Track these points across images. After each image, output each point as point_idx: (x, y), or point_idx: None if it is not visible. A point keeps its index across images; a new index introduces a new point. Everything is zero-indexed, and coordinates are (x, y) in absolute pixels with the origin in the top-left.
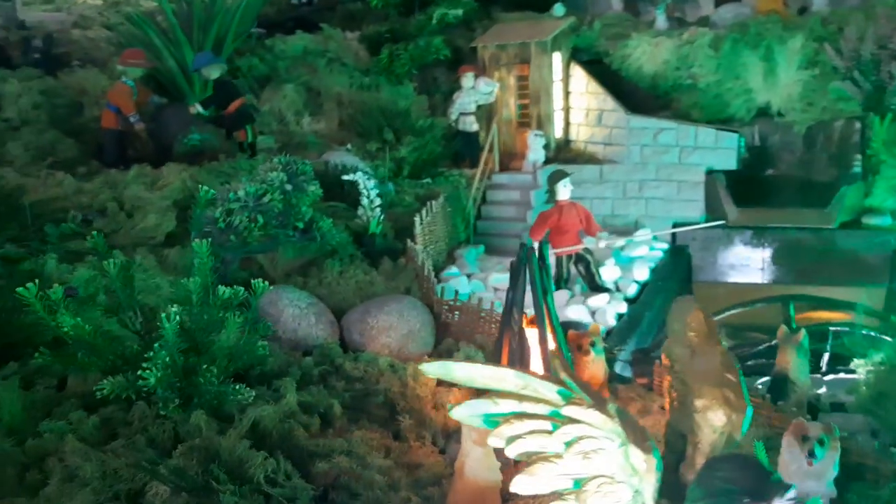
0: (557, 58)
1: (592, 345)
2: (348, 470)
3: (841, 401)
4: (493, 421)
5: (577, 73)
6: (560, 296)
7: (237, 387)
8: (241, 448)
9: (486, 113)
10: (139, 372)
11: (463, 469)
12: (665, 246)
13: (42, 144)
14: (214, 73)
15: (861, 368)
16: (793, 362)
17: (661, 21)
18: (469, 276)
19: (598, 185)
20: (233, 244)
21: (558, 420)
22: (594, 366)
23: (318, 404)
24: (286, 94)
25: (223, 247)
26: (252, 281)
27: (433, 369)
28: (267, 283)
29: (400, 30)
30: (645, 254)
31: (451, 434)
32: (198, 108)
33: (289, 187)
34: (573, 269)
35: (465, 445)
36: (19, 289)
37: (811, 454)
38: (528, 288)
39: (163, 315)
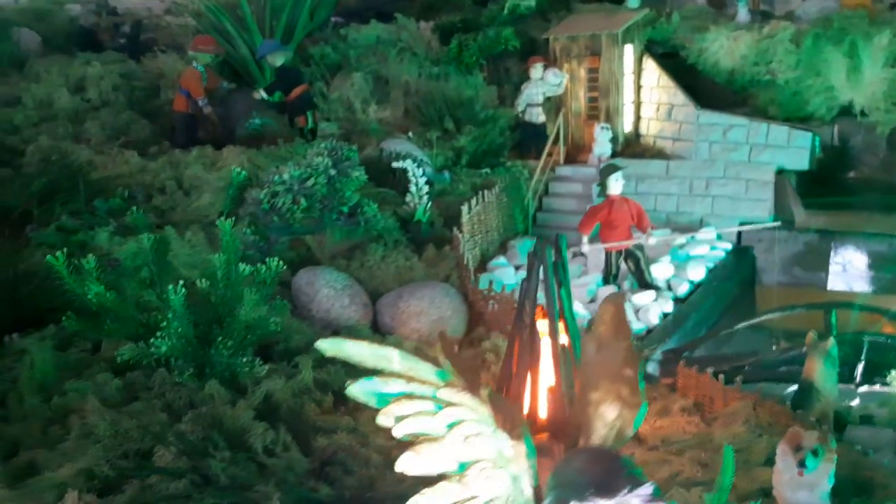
0: (629, 50)
1: None
2: (347, 447)
3: (872, 413)
4: (385, 400)
5: (650, 66)
6: (607, 291)
7: (249, 359)
8: (244, 418)
9: (555, 104)
10: (151, 340)
11: None
12: (728, 246)
13: (118, 124)
14: (279, 60)
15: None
16: (819, 371)
17: (742, 14)
18: (518, 267)
19: (663, 181)
20: (276, 224)
21: (442, 402)
22: None
23: (334, 382)
24: (354, 82)
25: (267, 227)
26: (268, 259)
27: (327, 346)
28: (282, 263)
29: (472, 20)
30: (705, 253)
31: None
32: (261, 94)
33: (333, 172)
34: (623, 266)
35: None
36: (48, 257)
37: (801, 464)
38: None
39: (170, 287)
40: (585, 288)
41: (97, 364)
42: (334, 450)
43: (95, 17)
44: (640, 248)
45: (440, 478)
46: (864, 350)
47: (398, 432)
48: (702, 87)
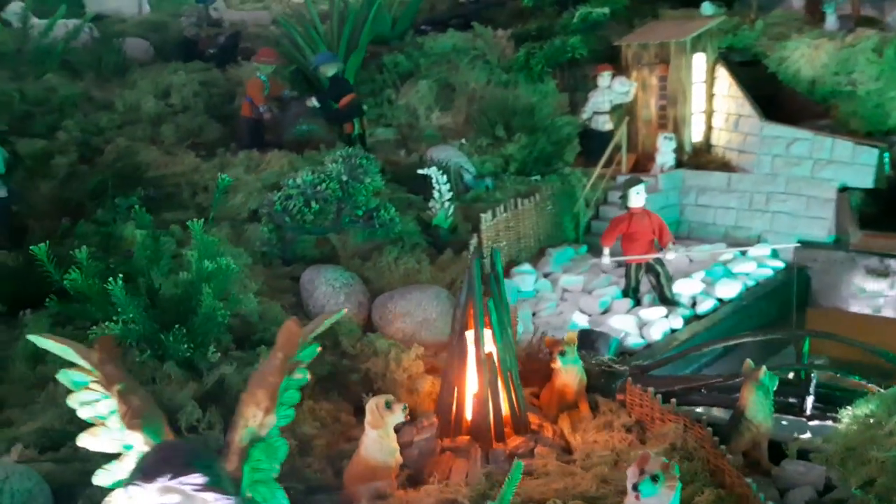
0: (700, 59)
1: (561, 353)
2: None
3: (814, 448)
4: (77, 384)
5: (722, 74)
6: (622, 304)
7: (204, 347)
8: (182, 397)
9: (624, 112)
10: (106, 323)
11: (360, 447)
12: (779, 264)
13: (192, 127)
14: (331, 70)
15: (846, 418)
16: (750, 400)
17: (831, 21)
18: (547, 274)
19: (723, 194)
20: (287, 225)
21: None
22: (566, 374)
23: None
24: (419, 89)
25: (280, 227)
26: (220, 259)
27: (35, 339)
28: (232, 263)
29: (547, 28)
30: (751, 270)
31: (417, 418)
32: (313, 102)
33: (345, 178)
34: (644, 279)
35: (365, 426)
36: (31, 247)
37: (635, 488)
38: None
39: (110, 280)
40: (599, 299)
41: (84, 341)
42: None
43: (196, 28)
44: (661, 262)
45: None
46: (813, 383)
47: (82, 415)
48: (783, 97)
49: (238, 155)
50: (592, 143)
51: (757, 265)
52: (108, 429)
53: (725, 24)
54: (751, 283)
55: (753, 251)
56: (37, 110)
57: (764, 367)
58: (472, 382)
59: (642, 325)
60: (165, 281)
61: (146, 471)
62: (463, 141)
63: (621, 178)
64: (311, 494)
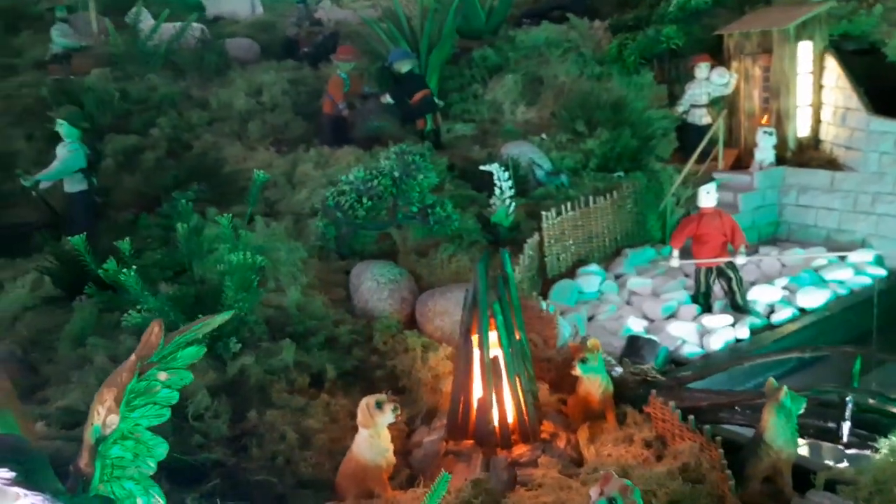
0: (806, 47)
1: (582, 360)
2: (270, 424)
3: (844, 480)
4: None
5: (831, 64)
6: (688, 310)
7: (225, 338)
8: (195, 386)
9: (726, 105)
10: (129, 312)
11: (353, 446)
12: (882, 272)
13: (277, 124)
14: (405, 67)
15: (884, 448)
16: (771, 422)
17: None
18: (619, 276)
19: (826, 194)
20: (339, 220)
21: None
22: (588, 382)
23: (313, 366)
24: (505, 83)
25: (335, 222)
26: (238, 254)
27: None
28: (259, 257)
29: (645, 17)
30: (846, 278)
31: (435, 418)
32: (387, 98)
33: (397, 174)
34: (716, 285)
35: (358, 425)
36: (71, 238)
37: None
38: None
39: (123, 270)
40: (664, 303)
41: (117, 328)
42: (255, 424)
43: (296, 28)
44: (733, 266)
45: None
46: (849, 408)
47: None
48: None
49: (310, 151)
50: (690, 138)
51: (854, 272)
52: None
53: (839, 10)
54: (843, 291)
55: (854, 257)
56: (136, 108)
57: (785, 388)
58: (478, 386)
59: (704, 333)
60: (207, 273)
61: None
62: (543, 136)
63: (719, 176)
64: (300, 488)
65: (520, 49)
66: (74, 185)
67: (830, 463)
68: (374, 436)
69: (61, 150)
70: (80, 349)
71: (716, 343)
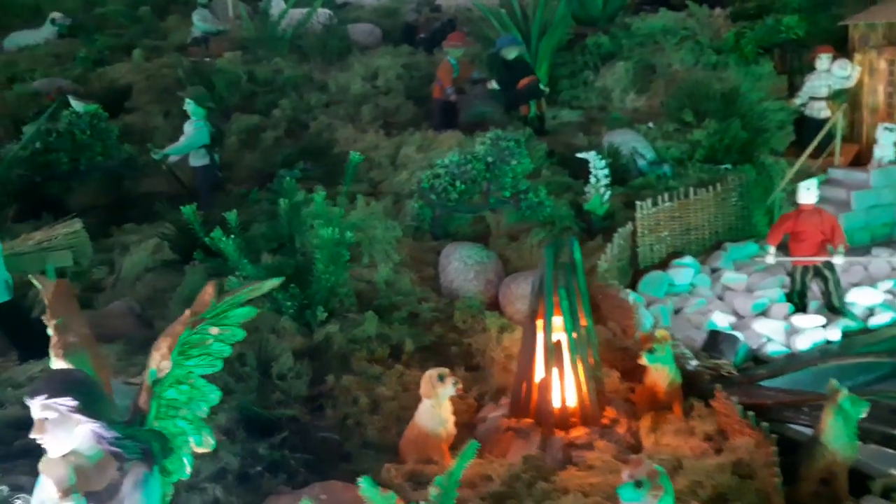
0: None
1: (649, 351)
2: (346, 388)
3: None
4: None
5: None
6: (780, 308)
7: (313, 307)
8: (282, 349)
9: (848, 99)
10: (228, 276)
11: (416, 415)
12: None
13: (389, 108)
14: (512, 53)
15: None
16: (828, 423)
17: None
18: (715, 270)
19: None
20: (433, 202)
21: None
22: (655, 373)
23: (393, 338)
24: (616, 70)
25: (430, 204)
26: (327, 230)
27: (33, 279)
28: (349, 233)
29: (767, 5)
30: None
31: (503, 396)
32: (493, 84)
33: (490, 159)
34: (813, 285)
35: (421, 395)
36: (183, 208)
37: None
38: None
39: (222, 237)
40: (755, 300)
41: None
42: (331, 387)
43: (416, 14)
44: (831, 266)
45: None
46: None
47: None
48: None
49: (414, 134)
50: (808, 132)
51: None
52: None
53: None
54: None
55: None
56: (261, 90)
57: (844, 390)
58: (540, 368)
59: (792, 332)
60: (306, 246)
61: (33, 389)
62: (650, 125)
63: (834, 173)
64: (365, 448)
65: (635, 36)
66: (198, 160)
67: (893, 471)
68: (435, 406)
69: (188, 128)
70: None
71: (803, 343)
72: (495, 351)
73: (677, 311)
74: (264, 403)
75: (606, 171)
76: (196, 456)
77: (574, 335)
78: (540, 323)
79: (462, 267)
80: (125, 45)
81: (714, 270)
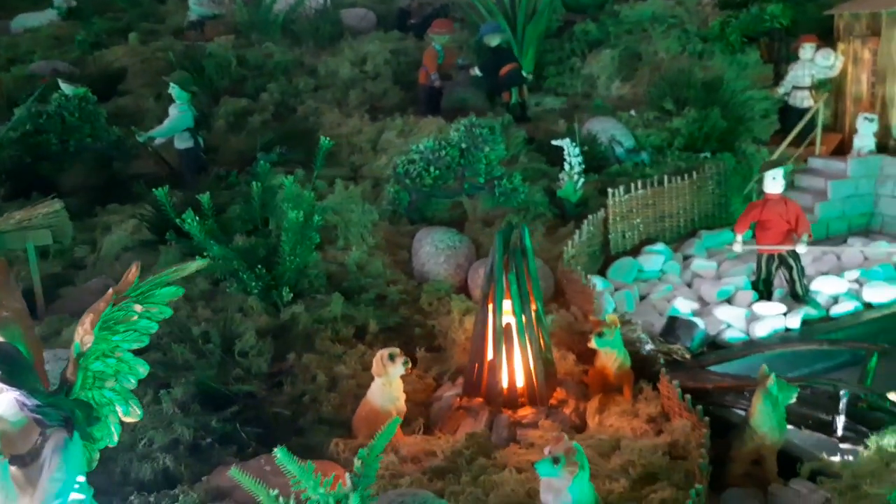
0: None
1: (598, 334)
2: (305, 366)
3: (825, 472)
4: None
5: None
6: (744, 296)
7: (279, 288)
8: (245, 327)
9: (833, 89)
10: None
11: (368, 392)
12: None
13: (376, 92)
14: (494, 40)
15: (872, 445)
16: (757, 408)
17: None
18: (687, 257)
19: None
20: (407, 186)
21: None
22: (604, 356)
23: (358, 319)
24: (602, 58)
25: (405, 189)
26: (292, 213)
27: None
28: (317, 217)
29: None
30: None
31: (461, 376)
32: (475, 71)
33: (464, 146)
34: (779, 273)
35: (373, 374)
36: (155, 190)
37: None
38: None
39: (189, 219)
40: (719, 287)
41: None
42: (291, 365)
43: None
44: (795, 255)
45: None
46: (843, 402)
47: None
48: None
49: (396, 120)
50: (791, 121)
51: None
52: None
53: None
54: None
55: None
56: (251, 74)
57: (773, 376)
58: (491, 350)
59: (753, 319)
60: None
61: None
62: (632, 112)
63: (814, 162)
64: (319, 423)
65: (623, 23)
66: (182, 143)
67: (824, 456)
68: (385, 384)
69: (172, 111)
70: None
71: (761, 330)
72: (457, 333)
73: (643, 297)
74: (224, 380)
75: (580, 159)
76: (151, 427)
77: (524, 318)
78: (491, 307)
79: (433, 251)
80: (123, 29)
81: (686, 258)
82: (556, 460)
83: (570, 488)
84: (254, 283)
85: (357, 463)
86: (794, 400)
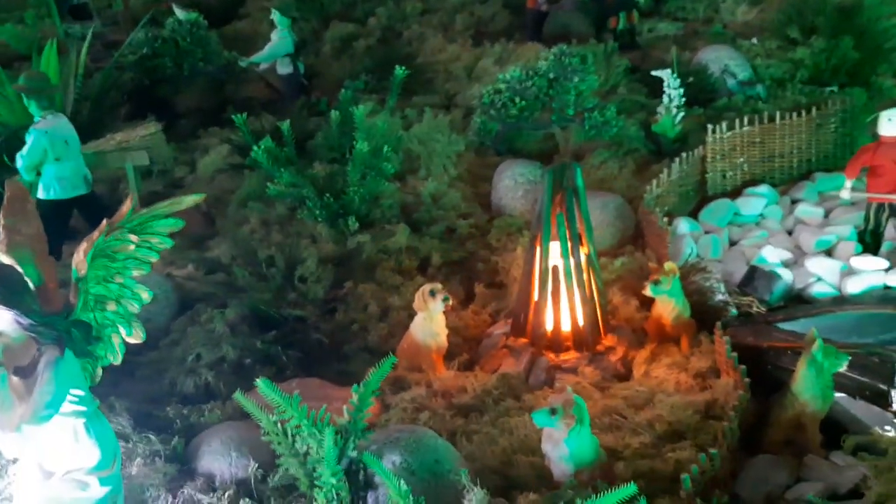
0: None
1: (655, 282)
2: (360, 295)
3: (869, 448)
4: None
5: None
6: (846, 247)
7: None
8: (309, 254)
9: None
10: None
11: (411, 326)
12: None
13: (483, 17)
14: None
15: None
16: (800, 373)
17: None
18: (795, 201)
19: None
20: (493, 117)
21: None
22: (660, 305)
23: (422, 250)
24: None
25: (491, 119)
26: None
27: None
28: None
29: None
30: None
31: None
32: None
33: (552, 75)
34: (890, 225)
35: (415, 308)
36: (234, 116)
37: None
38: None
39: (258, 148)
40: (818, 237)
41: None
42: (345, 292)
43: None
44: None
45: None
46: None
47: None
48: None
49: (494, 46)
50: None
51: None
52: None
53: None
54: None
55: None
56: None
57: (819, 341)
58: (536, 292)
59: (848, 274)
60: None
61: None
62: (754, 41)
63: None
64: (362, 351)
65: None
66: (283, 68)
67: (876, 429)
68: (427, 319)
69: (273, 36)
70: (243, 210)
71: (855, 286)
72: (518, 270)
73: (734, 243)
74: (279, 304)
75: (680, 91)
76: (202, 344)
77: (571, 261)
78: (538, 248)
79: (512, 185)
80: None
81: (794, 202)
82: (553, 411)
83: (567, 440)
84: (318, 212)
85: (353, 397)
86: (843, 368)
